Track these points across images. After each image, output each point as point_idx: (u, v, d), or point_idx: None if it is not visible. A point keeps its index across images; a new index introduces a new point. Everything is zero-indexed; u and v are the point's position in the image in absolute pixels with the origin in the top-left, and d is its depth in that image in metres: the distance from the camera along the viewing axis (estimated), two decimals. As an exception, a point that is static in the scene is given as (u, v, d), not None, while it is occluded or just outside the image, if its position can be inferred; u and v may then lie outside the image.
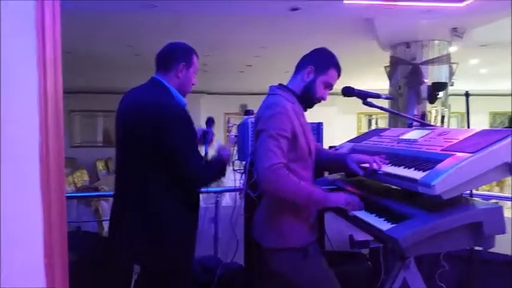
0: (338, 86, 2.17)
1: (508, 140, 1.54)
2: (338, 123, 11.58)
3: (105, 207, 5.22)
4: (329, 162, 2.12)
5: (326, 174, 2.59)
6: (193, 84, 2.08)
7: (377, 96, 2.13)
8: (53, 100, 1.06)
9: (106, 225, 4.89)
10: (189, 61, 2.01)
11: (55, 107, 1.07)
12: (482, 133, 1.69)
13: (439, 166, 1.52)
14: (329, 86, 1.93)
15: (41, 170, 1.03)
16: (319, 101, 1.96)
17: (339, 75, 1.95)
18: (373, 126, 13.70)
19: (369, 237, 1.80)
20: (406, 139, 2.05)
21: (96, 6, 4.69)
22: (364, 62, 8.08)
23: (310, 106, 1.97)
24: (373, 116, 14.03)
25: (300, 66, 1.95)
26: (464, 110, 2.49)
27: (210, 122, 2.35)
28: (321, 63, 1.91)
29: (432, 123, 5.54)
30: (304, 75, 1.91)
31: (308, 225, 1.90)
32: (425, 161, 1.65)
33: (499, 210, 1.60)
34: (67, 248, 1.18)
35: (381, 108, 2.21)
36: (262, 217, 1.95)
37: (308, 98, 1.93)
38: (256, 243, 1.94)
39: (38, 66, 1.03)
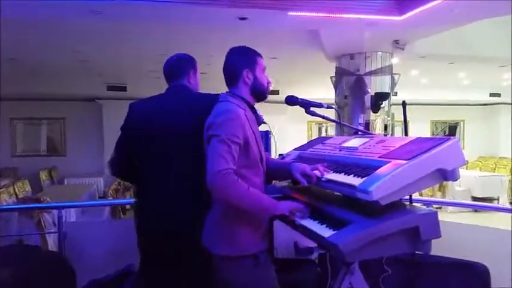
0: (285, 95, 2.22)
1: (442, 147, 1.61)
2: (289, 132, 11.74)
3: (48, 219, 4.99)
4: (275, 171, 2.14)
5: (276, 182, 2.62)
6: None
7: (319, 105, 2.18)
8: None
9: (50, 238, 4.68)
10: (195, 68, 2.27)
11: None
12: (417, 141, 1.76)
13: (377, 172, 1.57)
14: (265, 69, 2.03)
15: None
16: (269, 88, 2.04)
17: (261, 56, 2.04)
18: (324, 134, 14.02)
19: (315, 244, 1.83)
20: (347, 147, 2.10)
21: (41, 12, 4.52)
22: (313, 72, 8.27)
23: (265, 97, 2.04)
24: (323, 124, 14.35)
25: (234, 75, 1.98)
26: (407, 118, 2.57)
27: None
28: (250, 61, 1.97)
29: (376, 132, 5.75)
30: (244, 80, 1.95)
31: (260, 233, 1.89)
32: (364, 168, 1.70)
33: (434, 215, 1.65)
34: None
35: (322, 117, 2.26)
36: (213, 223, 1.92)
37: (260, 92, 1.99)
38: (207, 250, 1.91)
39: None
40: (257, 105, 2.06)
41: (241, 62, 1.97)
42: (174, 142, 2.07)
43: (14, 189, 7.61)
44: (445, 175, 1.63)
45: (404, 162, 1.56)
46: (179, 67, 2.23)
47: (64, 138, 12.12)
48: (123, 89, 10.12)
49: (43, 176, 10.77)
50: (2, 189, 6.87)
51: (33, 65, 7.64)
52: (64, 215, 3.20)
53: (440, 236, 1.64)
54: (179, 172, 2.07)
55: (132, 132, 2.13)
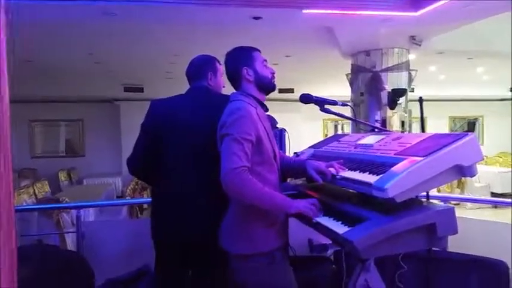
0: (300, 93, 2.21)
1: (458, 143, 1.58)
2: (304, 130, 11.71)
3: (67, 219, 5.07)
4: (290, 169, 2.14)
5: (291, 180, 2.61)
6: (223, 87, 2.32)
7: (334, 103, 2.17)
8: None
9: (68, 237, 4.75)
10: (214, 69, 2.25)
11: None
12: (434, 137, 1.74)
13: (392, 170, 1.55)
14: (265, 62, 2.03)
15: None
16: (274, 78, 2.04)
17: (259, 50, 2.05)
18: (339, 132, 13.92)
19: (329, 241, 1.82)
20: (362, 144, 2.08)
21: (55, 15, 4.59)
22: (328, 69, 8.21)
23: (273, 88, 2.04)
24: (339, 122, 14.25)
25: (235, 77, 2.00)
26: (425, 115, 2.55)
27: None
28: (245, 58, 1.99)
29: (393, 129, 5.69)
30: (246, 77, 1.97)
31: (275, 230, 1.89)
32: (380, 165, 1.68)
33: (451, 211, 1.63)
34: (16, 262, 1.14)
35: (337, 114, 2.24)
36: (228, 223, 1.93)
37: (265, 84, 2.00)
38: (224, 250, 1.92)
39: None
40: (272, 103, 2.05)
41: (237, 62, 1.98)
42: (190, 142, 2.07)
43: (34, 189, 7.74)
44: (463, 171, 1.61)
45: (421, 159, 1.54)
46: (198, 69, 2.25)
47: (82, 139, 12.31)
48: (140, 90, 10.23)
49: (62, 176, 10.95)
50: (22, 190, 7.00)
51: (49, 67, 7.75)
52: (83, 215, 3.25)
53: (457, 233, 1.62)
54: (197, 172, 2.07)
55: (152, 130, 2.14)
